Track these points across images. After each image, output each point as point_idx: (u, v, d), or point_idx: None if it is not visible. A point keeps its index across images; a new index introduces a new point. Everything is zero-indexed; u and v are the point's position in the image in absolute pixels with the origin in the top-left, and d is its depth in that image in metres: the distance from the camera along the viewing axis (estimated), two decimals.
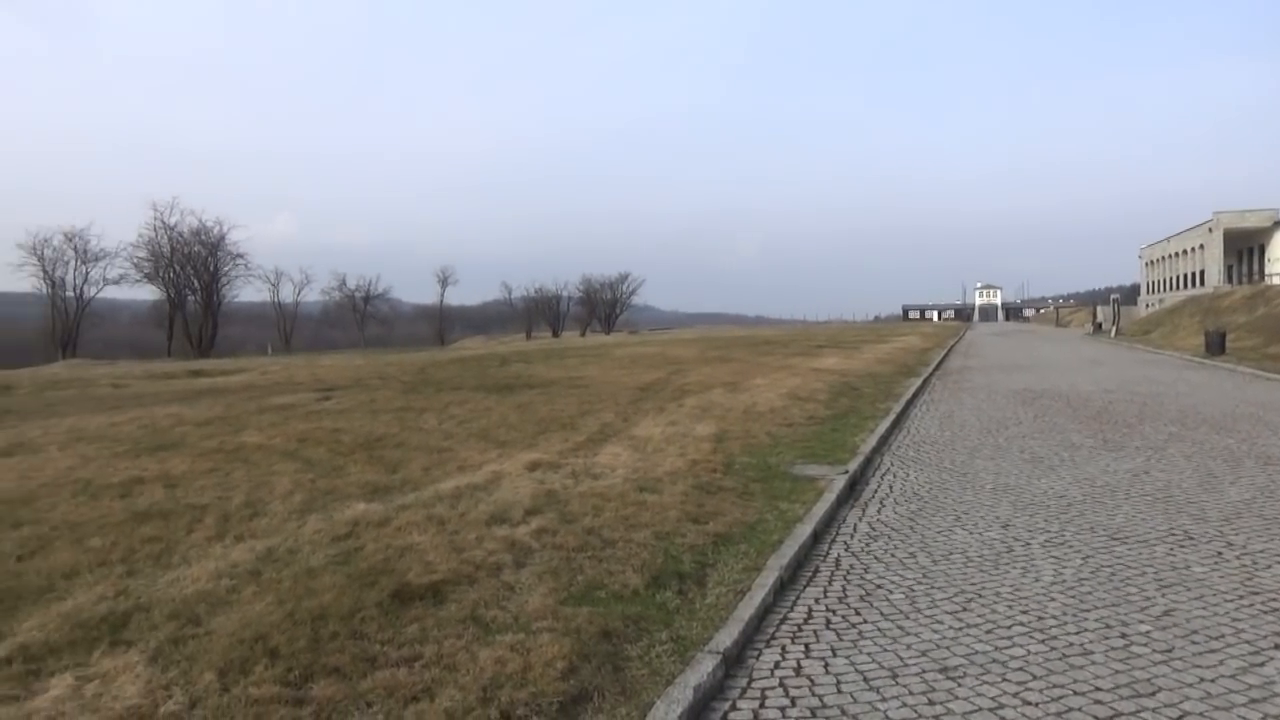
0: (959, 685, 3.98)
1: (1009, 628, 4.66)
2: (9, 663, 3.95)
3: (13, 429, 11.51)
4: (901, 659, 4.29)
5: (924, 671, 4.13)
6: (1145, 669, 4.11)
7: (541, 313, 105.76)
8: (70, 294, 64.58)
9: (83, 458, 8.99)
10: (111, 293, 68.52)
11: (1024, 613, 4.87)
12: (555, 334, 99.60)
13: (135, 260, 66.82)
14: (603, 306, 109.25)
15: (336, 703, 3.56)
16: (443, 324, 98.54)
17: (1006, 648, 4.39)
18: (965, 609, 4.95)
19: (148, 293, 70.41)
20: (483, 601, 4.67)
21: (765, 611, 4.95)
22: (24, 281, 64.70)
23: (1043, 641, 4.46)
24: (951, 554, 6.03)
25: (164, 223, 68.15)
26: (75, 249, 64.20)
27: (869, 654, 4.36)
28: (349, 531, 5.94)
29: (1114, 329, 52.45)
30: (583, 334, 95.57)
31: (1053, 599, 5.08)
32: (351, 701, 3.58)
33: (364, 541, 5.69)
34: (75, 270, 64.49)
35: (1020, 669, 4.14)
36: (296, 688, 3.68)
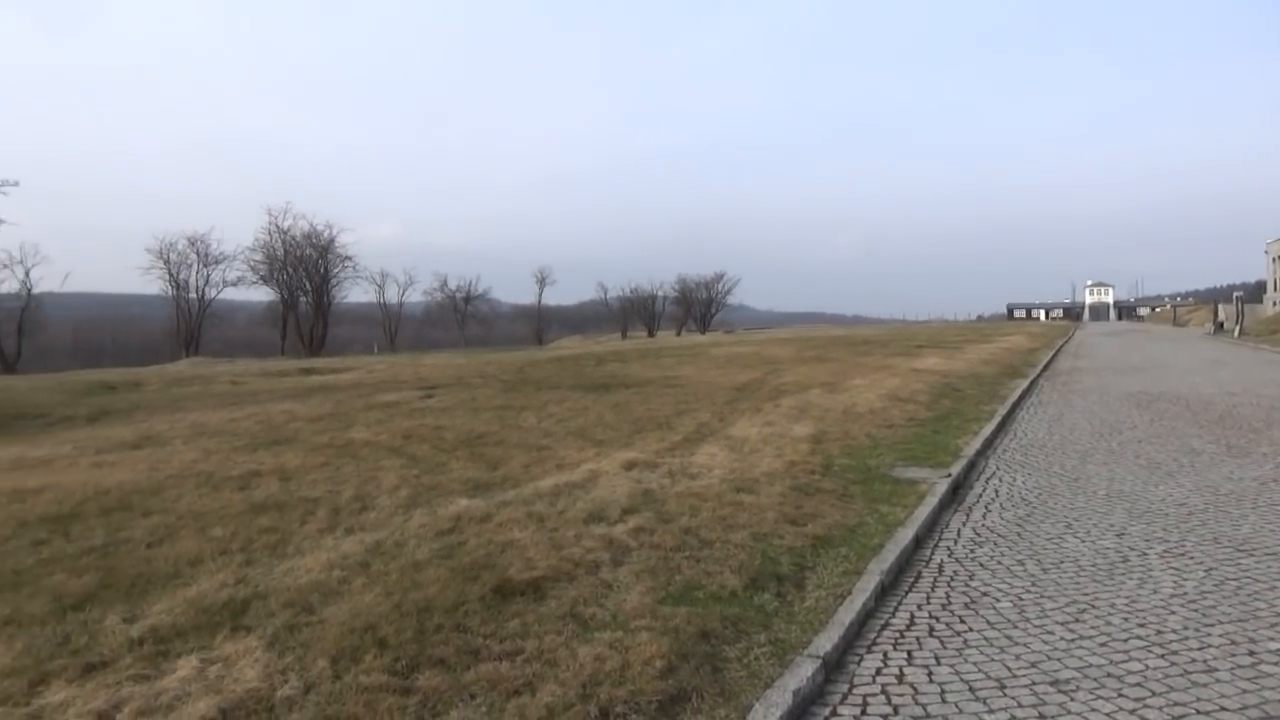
0: (1071, 699, 3.82)
1: (1125, 641, 4.45)
2: (140, 644, 4.18)
3: (142, 423, 12.20)
4: (1009, 670, 4.14)
5: (1034, 684, 3.98)
6: (1277, 689, 3.87)
7: (637, 312, 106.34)
8: (193, 295, 68.11)
9: (205, 451, 9.46)
10: (230, 294, 72.09)
11: (1141, 626, 4.65)
12: (650, 334, 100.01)
13: (251, 263, 70.03)
14: (698, 306, 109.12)
15: (441, 693, 3.65)
16: (540, 324, 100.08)
17: (1123, 662, 4.20)
18: (1078, 620, 4.75)
19: (263, 294, 73.74)
20: (581, 599, 4.71)
21: (866, 616, 4.85)
22: (152, 284, 68.68)
23: (1162, 657, 4.24)
24: (1062, 562, 5.80)
25: (278, 227, 71.19)
26: (197, 253, 67.73)
27: (975, 663, 4.23)
28: (452, 526, 6.08)
29: (1237, 329, 49.57)
30: (678, 334, 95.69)
31: (1173, 612, 4.83)
32: (455, 693, 3.66)
33: (466, 537, 5.81)
34: (197, 273, 68.04)
35: (1138, 684, 3.95)
36: (404, 677, 3.79)
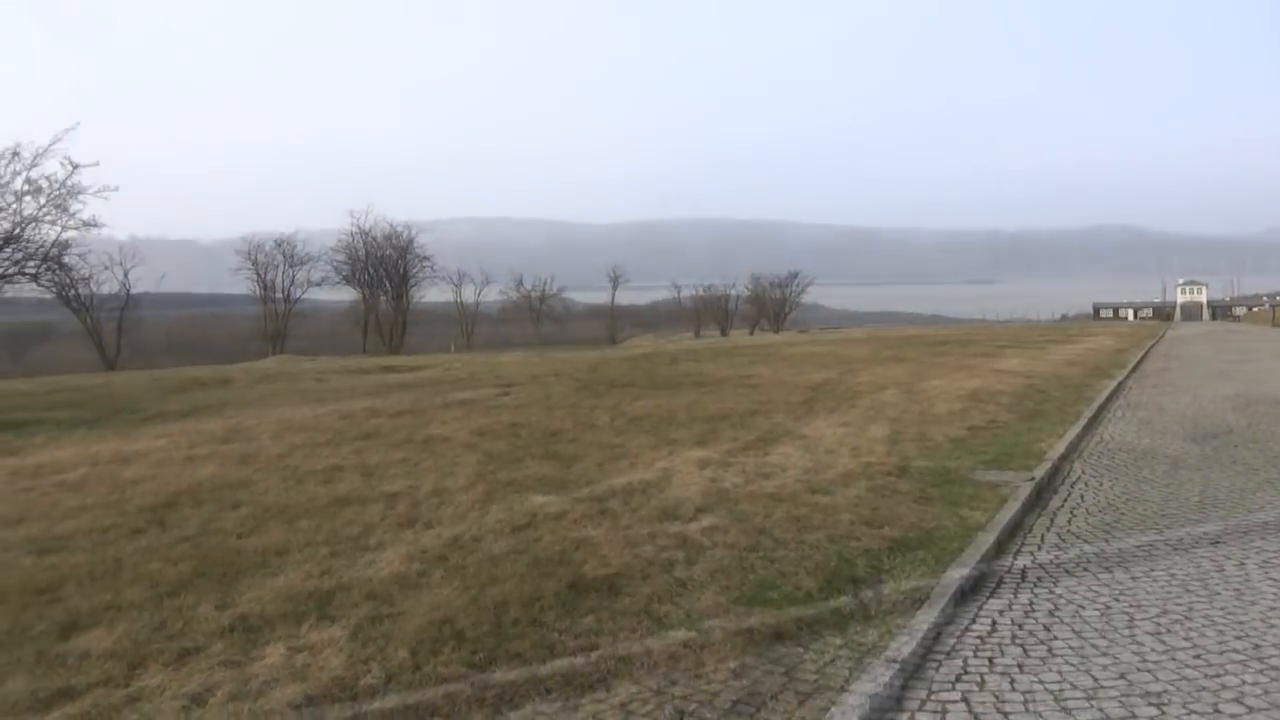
0: (1163, 714, 3.68)
1: (1220, 654, 4.27)
2: (231, 630, 4.34)
3: (231, 419, 12.65)
4: (1097, 680, 4.01)
5: (1123, 695, 3.85)
6: None
7: (710, 311, 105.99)
8: (279, 295, 70.51)
9: (290, 446, 9.76)
10: (314, 294, 74.39)
11: (1239, 639, 4.45)
12: (723, 333, 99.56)
13: (335, 264, 72.20)
14: (771, 305, 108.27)
15: (518, 687, 3.70)
16: (613, 322, 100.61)
17: (1218, 675, 4.02)
18: (1169, 631, 4.57)
19: (346, 294, 75.90)
20: (655, 596, 4.72)
21: (946, 621, 4.75)
22: (241, 284, 71.50)
23: (1261, 672, 4.06)
24: (1153, 571, 5.59)
25: (360, 228, 73.18)
26: (284, 254, 70.08)
27: (1060, 672, 4.11)
28: (528, 522, 6.16)
29: None
30: (751, 333, 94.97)
31: (1273, 625, 4.62)
32: (532, 687, 3.71)
33: (542, 533, 5.88)
34: (283, 273, 70.54)
35: (1234, 700, 3.78)
36: (481, 670, 3.85)
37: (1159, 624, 4.67)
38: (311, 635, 4.23)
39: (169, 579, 5.13)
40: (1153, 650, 4.32)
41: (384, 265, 74.64)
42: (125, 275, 57.07)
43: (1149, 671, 4.08)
